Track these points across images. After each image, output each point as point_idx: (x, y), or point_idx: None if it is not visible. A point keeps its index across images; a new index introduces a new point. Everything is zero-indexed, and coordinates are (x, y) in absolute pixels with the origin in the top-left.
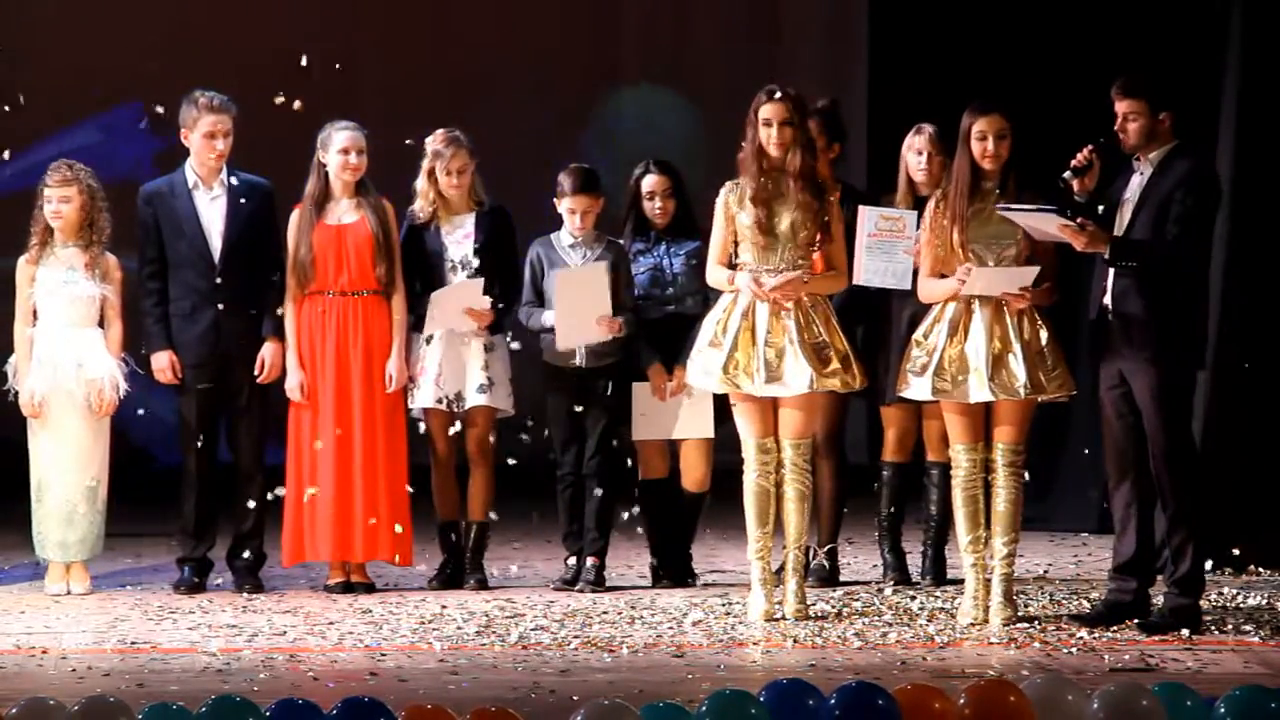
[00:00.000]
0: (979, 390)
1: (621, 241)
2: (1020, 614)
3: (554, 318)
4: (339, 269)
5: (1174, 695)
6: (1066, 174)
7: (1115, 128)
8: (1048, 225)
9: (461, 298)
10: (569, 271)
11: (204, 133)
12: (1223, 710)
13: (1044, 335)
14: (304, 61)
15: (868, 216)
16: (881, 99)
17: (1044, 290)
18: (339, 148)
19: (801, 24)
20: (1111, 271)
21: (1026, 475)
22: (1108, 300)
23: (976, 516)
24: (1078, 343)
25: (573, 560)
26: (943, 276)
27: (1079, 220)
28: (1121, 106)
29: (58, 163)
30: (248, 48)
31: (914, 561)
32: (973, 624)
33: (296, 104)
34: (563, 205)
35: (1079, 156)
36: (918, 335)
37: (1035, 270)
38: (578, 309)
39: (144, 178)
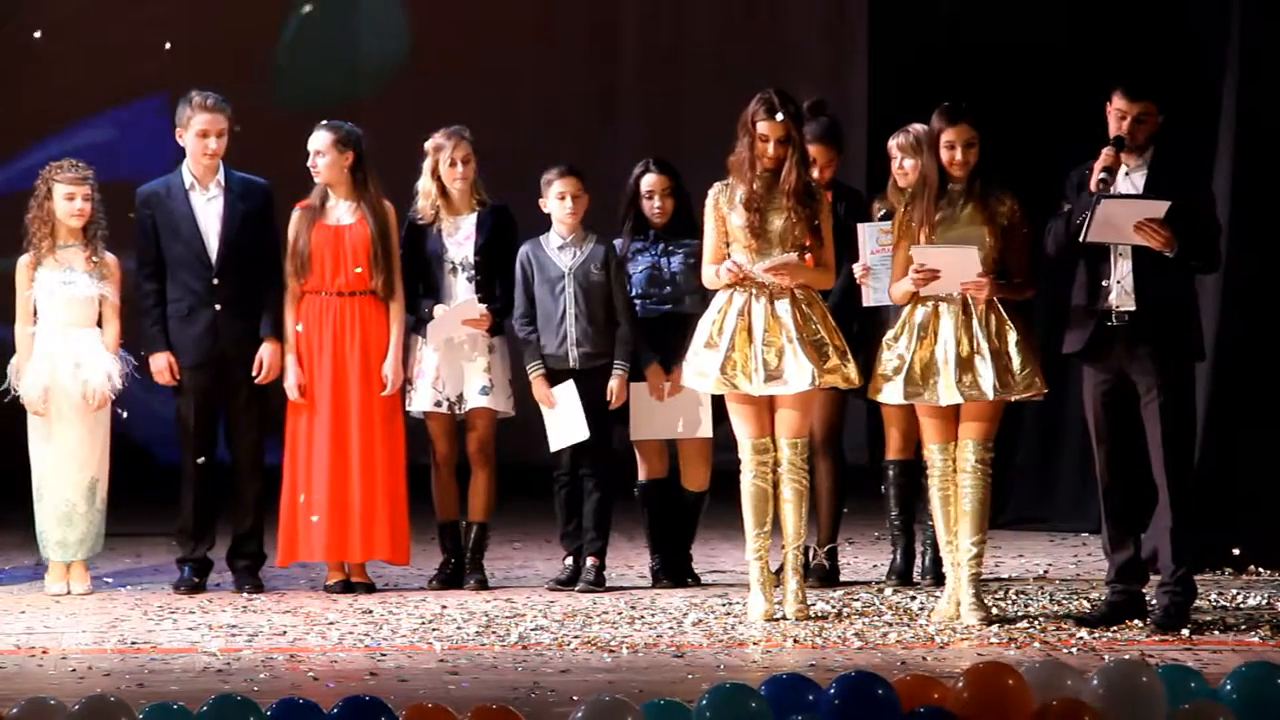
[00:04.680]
0: (948, 393)
1: (616, 241)
2: (1020, 614)
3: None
4: (335, 269)
5: (1179, 678)
6: (1104, 175)
7: (1115, 129)
8: (1134, 215)
9: (459, 314)
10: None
11: (196, 131)
12: (1229, 687)
13: (1013, 335)
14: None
15: (867, 235)
16: (881, 99)
17: (1016, 286)
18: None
19: (801, 24)
20: (1119, 270)
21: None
22: (1113, 299)
23: (953, 516)
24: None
25: (570, 560)
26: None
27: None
28: (1133, 109)
29: (66, 161)
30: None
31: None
32: (945, 620)
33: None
34: (551, 193)
35: (1106, 157)
36: (887, 338)
37: (1166, 204)
38: (565, 415)
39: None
